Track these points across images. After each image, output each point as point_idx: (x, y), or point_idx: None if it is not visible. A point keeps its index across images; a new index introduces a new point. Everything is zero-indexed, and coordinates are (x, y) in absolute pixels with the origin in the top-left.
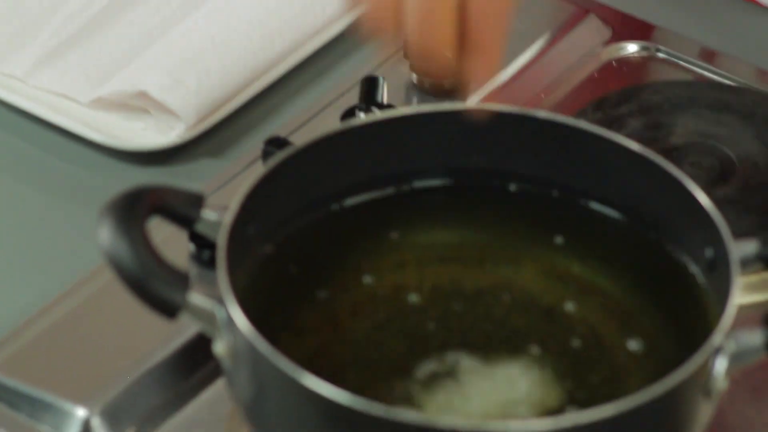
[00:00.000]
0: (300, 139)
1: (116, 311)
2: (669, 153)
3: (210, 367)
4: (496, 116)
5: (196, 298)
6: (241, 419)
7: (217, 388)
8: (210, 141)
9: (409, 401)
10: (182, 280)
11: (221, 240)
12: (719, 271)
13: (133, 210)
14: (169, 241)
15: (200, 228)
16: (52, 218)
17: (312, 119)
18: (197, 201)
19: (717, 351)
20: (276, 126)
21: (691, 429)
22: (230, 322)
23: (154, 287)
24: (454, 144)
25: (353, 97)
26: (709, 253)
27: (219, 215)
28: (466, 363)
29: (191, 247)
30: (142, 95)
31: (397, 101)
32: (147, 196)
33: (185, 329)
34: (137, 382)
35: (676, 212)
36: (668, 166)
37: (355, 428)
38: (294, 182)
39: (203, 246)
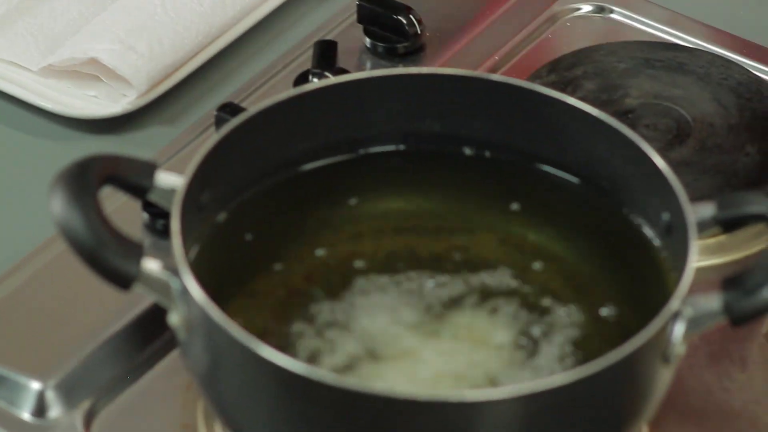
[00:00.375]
0: (253, 105)
1: (69, 283)
2: (624, 115)
3: (165, 339)
4: (451, 80)
5: (151, 268)
6: (196, 390)
7: (173, 359)
8: (162, 108)
9: (359, 367)
10: (136, 251)
11: (175, 209)
12: (676, 234)
13: (85, 179)
14: (121, 210)
15: (154, 197)
16: (2, 188)
17: (265, 84)
18: (150, 169)
19: (675, 316)
20: (228, 92)
21: (650, 394)
22: (185, 292)
23: (108, 258)
24: (409, 108)
25: (306, 62)
26: (665, 216)
27: (173, 183)
28: (421, 328)
29: (144, 216)
30: (93, 62)
31: (351, 66)
32: (99, 165)
33: (140, 300)
34: (92, 355)
35: (633, 176)
36: (624, 129)
37: (309, 397)
38: (248, 149)
39: (157, 215)
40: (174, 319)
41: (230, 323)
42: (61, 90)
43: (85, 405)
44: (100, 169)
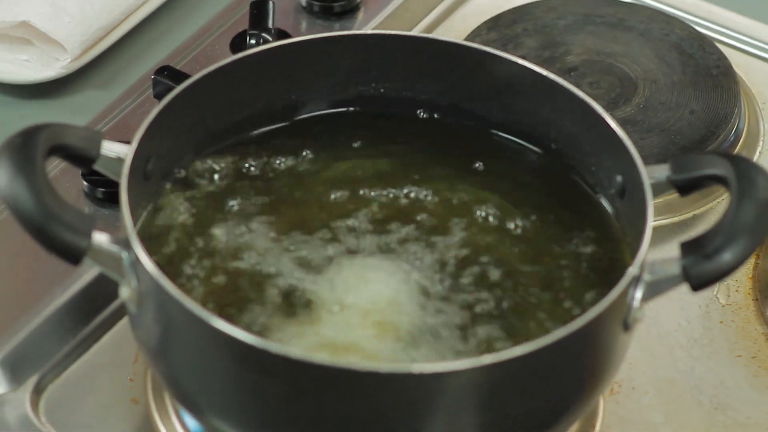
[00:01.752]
0: (190, 67)
1: (9, 255)
2: (567, 73)
3: (110, 310)
4: (393, 41)
5: (102, 242)
6: (144, 363)
7: (120, 330)
8: (96, 72)
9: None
10: (86, 223)
11: (123, 179)
12: (630, 197)
13: (29, 150)
14: (56, 180)
15: (99, 166)
16: None
17: (200, 46)
18: (96, 138)
19: (635, 281)
20: (163, 54)
21: (611, 362)
22: (136, 264)
23: (58, 231)
24: (352, 71)
25: (241, 22)
26: (619, 179)
27: (119, 152)
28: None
29: (84, 184)
30: (24, 25)
31: (286, 25)
32: (44, 135)
33: (83, 272)
34: (36, 330)
35: (583, 137)
36: (573, 89)
37: (261, 368)
38: (191, 116)
39: (96, 183)
40: (124, 292)
41: (183, 295)
42: None
43: (32, 381)
44: (44, 139)
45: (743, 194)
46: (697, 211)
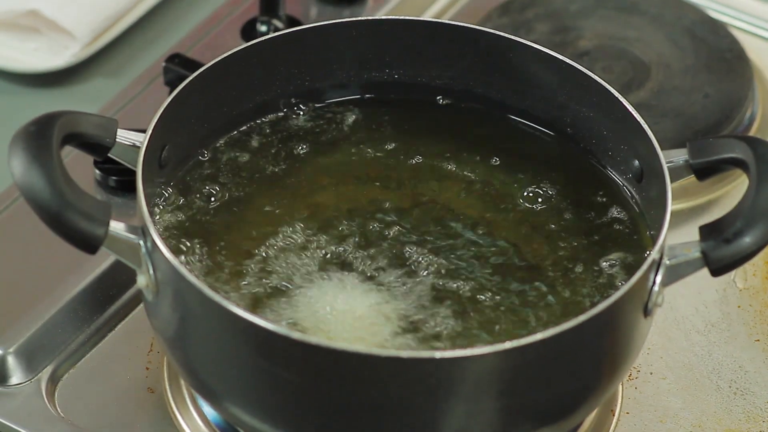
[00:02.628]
0: (200, 54)
1: (24, 244)
2: (579, 58)
3: (125, 299)
4: (406, 26)
5: (119, 230)
6: (160, 351)
7: (135, 319)
8: (105, 60)
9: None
10: (103, 212)
11: (139, 167)
12: (648, 182)
13: (44, 139)
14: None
15: (114, 154)
16: None
17: (211, 33)
18: (111, 126)
19: (655, 266)
20: (173, 41)
21: (632, 347)
22: (154, 253)
23: (74, 220)
24: (365, 57)
25: (252, 9)
26: (636, 163)
27: (134, 140)
28: (402, 283)
29: (96, 173)
30: (33, 14)
31: (296, 12)
32: (58, 123)
33: (98, 261)
34: (52, 319)
35: (599, 122)
36: (589, 73)
37: (281, 355)
38: (205, 103)
39: (108, 172)
40: (141, 280)
41: (202, 282)
42: (1, 43)
43: (48, 370)
44: (59, 127)
45: (762, 177)
46: (712, 196)
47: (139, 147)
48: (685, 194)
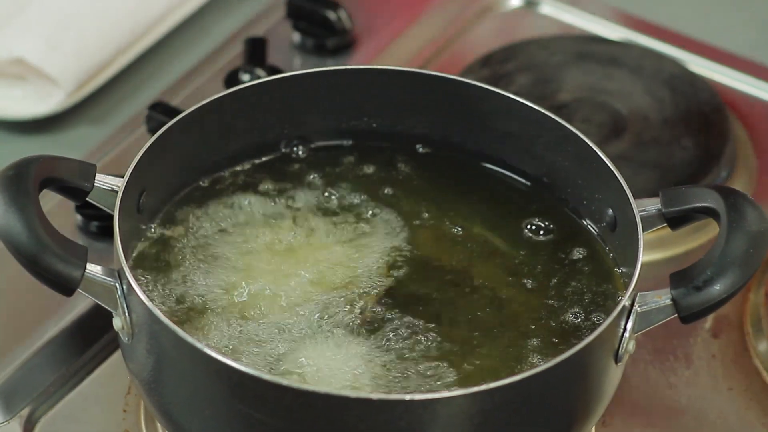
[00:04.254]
0: (183, 103)
1: (2, 287)
2: (559, 110)
3: (104, 342)
4: (386, 75)
5: (95, 272)
6: (138, 394)
7: (113, 362)
8: (90, 108)
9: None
10: (80, 255)
11: (117, 211)
12: (622, 230)
13: (23, 182)
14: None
15: (93, 198)
16: None
17: (194, 82)
18: (90, 171)
19: (626, 312)
20: (157, 90)
21: (602, 393)
22: (129, 295)
23: (52, 263)
24: (345, 105)
25: (236, 59)
26: (610, 212)
27: (113, 185)
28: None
29: (77, 218)
30: (19, 62)
31: (280, 62)
32: (37, 167)
33: (76, 303)
34: (30, 360)
35: (575, 171)
36: (566, 123)
37: (256, 398)
38: (184, 149)
39: (90, 217)
40: (117, 323)
41: (176, 325)
42: None
43: (25, 412)
44: (38, 171)
45: (733, 226)
46: (689, 246)
47: (117, 191)
48: (662, 245)
